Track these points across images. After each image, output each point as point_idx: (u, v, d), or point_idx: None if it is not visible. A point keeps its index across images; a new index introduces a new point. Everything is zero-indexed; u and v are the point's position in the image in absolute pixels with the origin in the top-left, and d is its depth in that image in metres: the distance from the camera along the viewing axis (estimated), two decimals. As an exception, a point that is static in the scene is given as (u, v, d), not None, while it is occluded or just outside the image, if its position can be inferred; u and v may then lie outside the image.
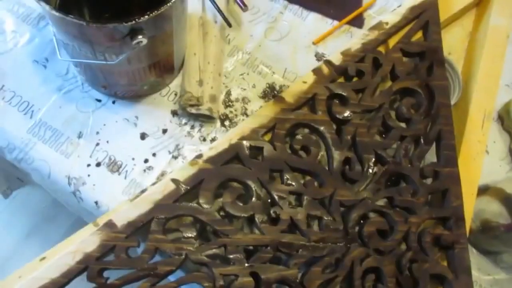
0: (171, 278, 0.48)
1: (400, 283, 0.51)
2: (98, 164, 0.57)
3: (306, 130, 0.56)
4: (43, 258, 0.47)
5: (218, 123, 0.61)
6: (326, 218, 0.51)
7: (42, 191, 0.65)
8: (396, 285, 0.51)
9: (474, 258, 0.62)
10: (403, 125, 0.58)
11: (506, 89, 0.73)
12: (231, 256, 0.48)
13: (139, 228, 0.47)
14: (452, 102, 0.64)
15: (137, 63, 0.52)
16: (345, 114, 0.55)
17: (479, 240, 0.62)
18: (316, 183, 0.53)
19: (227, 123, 0.61)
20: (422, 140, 0.57)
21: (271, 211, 0.50)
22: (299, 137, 0.54)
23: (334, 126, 0.55)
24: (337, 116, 0.55)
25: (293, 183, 0.52)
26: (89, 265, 0.45)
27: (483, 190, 0.62)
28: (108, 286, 0.45)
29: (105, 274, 0.46)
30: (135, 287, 0.46)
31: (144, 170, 0.58)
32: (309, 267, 0.49)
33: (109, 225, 0.47)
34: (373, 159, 0.55)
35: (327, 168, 0.54)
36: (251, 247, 0.49)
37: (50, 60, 0.62)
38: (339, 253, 0.50)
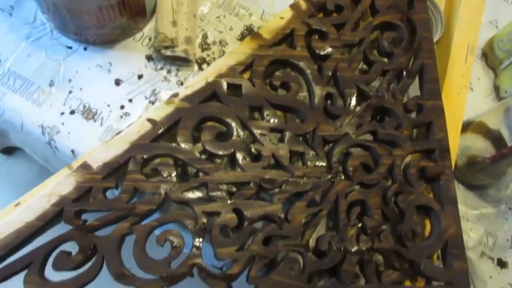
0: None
1: (386, 215, 0.50)
2: (72, 112, 0.55)
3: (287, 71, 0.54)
4: (18, 204, 0.46)
5: (196, 67, 0.59)
6: (309, 153, 0.50)
7: (26, 161, 0.63)
8: (381, 217, 0.50)
9: (461, 193, 0.61)
10: (385, 60, 0.57)
11: (489, 26, 0.72)
12: (212, 194, 0.47)
13: (116, 169, 0.46)
14: (435, 39, 0.62)
15: (105, -1, 0.50)
16: (325, 49, 0.54)
17: (465, 175, 0.61)
18: (297, 120, 0.52)
19: (204, 66, 0.59)
20: (404, 73, 0.55)
21: (252, 148, 0.49)
22: (278, 73, 0.52)
23: (314, 63, 0.54)
24: (317, 51, 0.53)
25: (274, 120, 0.50)
26: (65, 207, 0.44)
27: (466, 126, 0.61)
28: (86, 228, 0.44)
29: (84, 218, 0.45)
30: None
31: (121, 117, 0.56)
32: (293, 202, 0.48)
33: (84, 166, 0.45)
34: (355, 94, 0.53)
35: (308, 104, 0.52)
36: (234, 189, 0.48)
37: (15, 8, 0.59)
38: (323, 187, 0.49)
